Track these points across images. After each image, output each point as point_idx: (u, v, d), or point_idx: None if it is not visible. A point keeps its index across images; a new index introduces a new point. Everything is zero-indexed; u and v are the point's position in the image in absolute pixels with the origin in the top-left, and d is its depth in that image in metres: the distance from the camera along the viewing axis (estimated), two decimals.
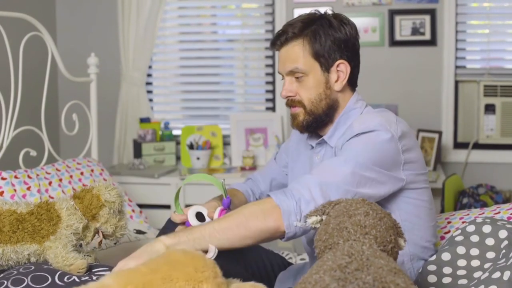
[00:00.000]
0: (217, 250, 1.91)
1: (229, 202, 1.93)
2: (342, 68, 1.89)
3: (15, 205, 1.90)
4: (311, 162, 2.02)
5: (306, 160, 2.06)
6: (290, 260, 2.53)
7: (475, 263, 1.80)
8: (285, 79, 1.93)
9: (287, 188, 1.69)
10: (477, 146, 3.87)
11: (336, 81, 1.89)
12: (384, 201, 1.79)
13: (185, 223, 1.92)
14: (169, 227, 2.11)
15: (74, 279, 1.73)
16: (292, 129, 2.14)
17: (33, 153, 2.84)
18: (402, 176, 1.79)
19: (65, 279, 1.73)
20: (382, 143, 1.76)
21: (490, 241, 1.82)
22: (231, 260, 2.01)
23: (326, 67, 1.88)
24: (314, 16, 1.93)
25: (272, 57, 4.04)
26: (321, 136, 1.97)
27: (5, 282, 1.77)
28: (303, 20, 1.91)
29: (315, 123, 1.92)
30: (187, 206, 3.50)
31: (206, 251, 1.64)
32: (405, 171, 1.79)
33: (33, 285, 1.77)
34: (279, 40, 1.91)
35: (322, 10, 1.99)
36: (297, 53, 1.87)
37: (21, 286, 1.76)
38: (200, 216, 1.93)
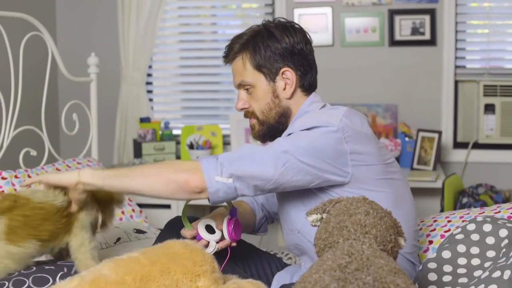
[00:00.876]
0: (217, 246, 1.92)
1: (236, 212, 1.94)
2: (288, 76, 1.92)
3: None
4: None
5: None
6: (289, 261, 2.53)
7: (476, 261, 1.80)
8: (239, 92, 2.00)
9: None
10: (477, 146, 3.87)
11: (284, 88, 1.93)
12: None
13: (196, 237, 1.93)
14: (167, 231, 2.10)
15: None
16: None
17: (33, 153, 2.84)
18: (347, 170, 1.78)
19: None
20: (321, 134, 1.76)
21: (490, 240, 1.82)
22: (230, 261, 2.02)
23: (271, 76, 1.92)
24: (259, 28, 1.96)
25: None
26: None
27: (6, 283, 1.78)
28: (247, 33, 1.96)
29: (270, 132, 1.97)
30: (189, 206, 3.51)
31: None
32: (353, 161, 1.78)
33: (34, 287, 1.77)
34: (228, 55, 1.99)
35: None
36: (241, 66, 1.94)
37: (23, 287, 1.76)
38: (209, 229, 1.94)
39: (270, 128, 1.96)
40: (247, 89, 1.96)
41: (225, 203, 1.95)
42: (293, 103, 1.95)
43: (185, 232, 1.94)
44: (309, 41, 1.96)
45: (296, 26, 1.96)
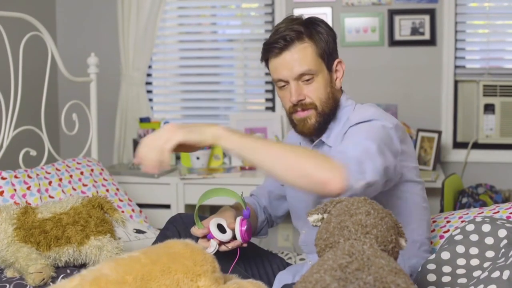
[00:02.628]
0: (217, 246, 1.92)
1: (249, 213, 1.93)
2: (339, 67, 1.92)
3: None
4: None
5: None
6: (289, 261, 2.54)
7: (475, 262, 1.80)
8: (291, 84, 1.88)
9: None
10: (477, 145, 3.87)
11: (337, 79, 1.92)
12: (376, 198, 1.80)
13: (206, 237, 1.92)
14: (169, 228, 2.12)
15: None
16: (287, 135, 2.15)
17: (33, 152, 2.84)
18: (399, 170, 1.80)
19: None
20: (383, 128, 1.75)
21: (489, 240, 1.82)
22: (231, 260, 2.02)
23: (330, 66, 1.90)
24: (304, 19, 1.91)
25: None
26: (313, 138, 1.98)
27: (8, 285, 1.78)
28: (299, 23, 1.88)
29: (325, 123, 1.92)
30: (188, 206, 3.52)
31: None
32: (400, 161, 1.79)
33: None
34: (278, 43, 1.87)
35: (313, 13, 2.00)
36: (306, 54, 1.85)
37: None
38: (220, 228, 1.93)
39: (326, 120, 1.91)
40: (306, 80, 1.87)
41: (236, 201, 1.94)
42: (339, 94, 1.95)
43: (196, 230, 1.92)
44: (334, 33, 1.95)
45: (314, 18, 1.94)
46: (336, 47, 1.92)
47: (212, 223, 1.91)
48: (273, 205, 2.26)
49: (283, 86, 1.92)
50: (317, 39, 1.86)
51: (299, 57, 1.85)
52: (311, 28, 1.87)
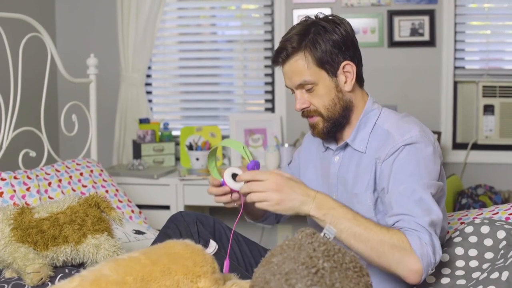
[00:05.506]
0: (217, 246, 1.92)
1: (259, 165, 1.85)
2: (348, 69, 1.88)
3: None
4: (326, 164, 2.02)
5: (318, 163, 2.07)
6: None
7: (474, 263, 1.80)
8: (296, 92, 1.92)
9: (411, 224, 1.66)
10: (476, 146, 3.87)
11: (345, 82, 1.89)
12: None
13: (221, 185, 1.90)
14: (169, 226, 2.12)
15: None
16: (305, 136, 2.15)
17: (32, 153, 2.84)
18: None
19: None
20: (429, 157, 1.79)
21: (488, 242, 1.83)
22: (232, 260, 2.02)
23: (333, 72, 1.87)
24: (307, 24, 1.90)
25: (271, 57, 4.04)
26: (337, 139, 1.99)
27: (6, 285, 1.78)
28: (298, 32, 1.88)
29: (335, 127, 1.92)
30: (188, 207, 3.52)
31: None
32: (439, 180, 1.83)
33: None
34: (280, 57, 1.89)
35: (313, 13, 1.97)
36: (301, 66, 1.86)
37: None
38: (235, 177, 1.92)
39: (335, 123, 1.92)
40: (307, 89, 1.89)
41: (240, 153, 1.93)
42: (353, 96, 1.92)
43: (212, 179, 1.91)
44: (354, 31, 1.93)
45: (340, 17, 1.92)
46: (343, 49, 1.87)
47: (227, 172, 1.89)
48: None
49: (292, 93, 1.95)
50: (313, 49, 1.84)
51: (295, 69, 1.87)
52: (307, 38, 1.85)
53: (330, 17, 1.91)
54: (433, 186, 1.74)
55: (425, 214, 1.66)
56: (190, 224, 2.12)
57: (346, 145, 1.95)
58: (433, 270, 1.66)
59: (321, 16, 1.92)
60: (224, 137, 4.03)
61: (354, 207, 1.85)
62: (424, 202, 1.68)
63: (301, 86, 1.89)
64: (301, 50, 1.85)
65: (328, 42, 1.84)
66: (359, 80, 1.94)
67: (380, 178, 1.82)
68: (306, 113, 1.93)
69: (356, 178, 1.90)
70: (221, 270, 1.59)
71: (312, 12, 3.94)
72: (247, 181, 1.73)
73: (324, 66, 1.85)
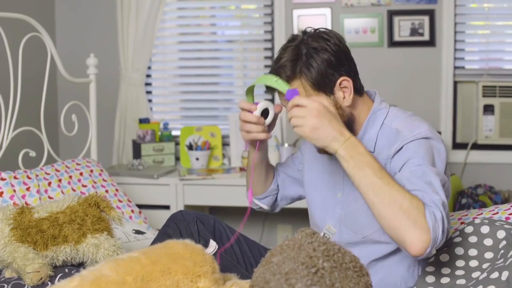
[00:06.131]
0: (217, 246, 1.92)
1: (294, 92, 1.82)
2: (345, 84, 1.83)
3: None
4: (331, 162, 2.00)
5: (323, 161, 2.04)
6: None
7: (474, 263, 1.80)
8: None
9: (425, 199, 1.63)
10: (476, 146, 3.87)
11: (344, 98, 1.83)
12: None
13: (251, 112, 1.92)
14: (169, 225, 2.12)
15: None
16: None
17: (32, 153, 2.84)
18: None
19: None
20: (440, 152, 1.79)
21: (488, 242, 1.83)
22: (232, 259, 2.02)
23: (330, 90, 1.82)
24: (297, 46, 1.84)
25: (271, 57, 4.04)
26: None
27: (6, 285, 1.79)
28: (290, 58, 1.83)
29: None
30: (188, 207, 3.52)
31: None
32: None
33: None
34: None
35: (303, 28, 1.92)
36: (299, 91, 1.81)
37: None
38: (265, 113, 1.93)
39: None
40: None
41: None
42: (353, 107, 1.88)
43: (244, 103, 1.93)
44: (344, 40, 1.90)
45: (327, 30, 1.88)
46: (337, 66, 1.83)
47: (261, 104, 1.91)
48: (286, 183, 2.26)
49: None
50: (308, 74, 1.80)
51: None
52: (300, 63, 1.81)
53: (318, 33, 1.86)
54: (440, 175, 1.72)
55: (436, 194, 1.64)
56: (190, 223, 2.12)
57: None
58: (434, 253, 1.62)
59: (308, 30, 1.88)
60: (224, 137, 4.03)
61: (358, 203, 1.85)
62: (433, 186, 1.65)
63: None
64: (297, 77, 1.82)
65: (322, 63, 1.80)
66: (358, 91, 1.89)
67: (391, 173, 1.78)
68: None
69: None
70: (222, 270, 1.59)
71: (311, 12, 3.97)
72: (291, 107, 1.72)
73: (321, 88, 1.81)
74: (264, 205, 2.29)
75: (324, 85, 1.81)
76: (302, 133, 1.69)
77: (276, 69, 1.85)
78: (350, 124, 1.87)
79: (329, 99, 1.82)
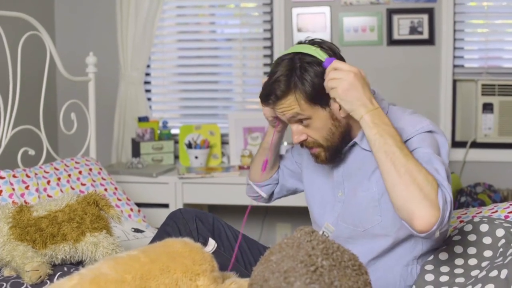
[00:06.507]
0: (216, 244, 1.93)
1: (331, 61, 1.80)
2: None
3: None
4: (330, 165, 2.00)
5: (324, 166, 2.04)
6: None
7: (473, 261, 1.80)
8: (291, 126, 1.88)
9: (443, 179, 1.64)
10: (475, 145, 3.87)
11: (340, 109, 1.79)
12: None
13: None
14: (169, 223, 2.12)
15: None
16: None
17: (31, 152, 2.84)
18: None
19: None
20: (444, 144, 1.82)
21: (487, 240, 1.83)
22: (231, 258, 2.02)
23: (325, 102, 1.81)
24: (291, 59, 1.82)
25: (271, 56, 4.04)
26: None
27: (4, 284, 1.79)
28: (283, 72, 1.81)
29: (337, 153, 1.90)
30: (187, 205, 3.52)
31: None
32: None
33: None
34: (269, 99, 1.84)
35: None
36: (293, 105, 1.81)
37: None
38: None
39: (337, 150, 1.89)
40: (301, 121, 1.85)
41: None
42: (350, 117, 1.81)
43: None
44: (338, 50, 1.89)
45: (318, 40, 1.87)
46: None
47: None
48: (284, 175, 2.28)
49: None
50: (301, 88, 1.79)
51: (287, 107, 1.82)
52: (294, 78, 1.79)
53: (313, 40, 1.86)
54: (445, 166, 1.72)
55: (444, 179, 1.64)
56: (189, 222, 2.12)
57: (354, 145, 1.93)
58: (438, 235, 1.58)
59: (303, 41, 1.87)
60: (223, 135, 4.04)
61: (358, 195, 1.85)
62: (440, 174, 1.65)
63: (295, 119, 1.85)
64: (291, 92, 1.80)
65: (316, 76, 1.78)
66: None
67: None
68: (306, 145, 1.90)
69: (361, 168, 1.88)
70: (221, 269, 1.59)
71: (310, 11, 3.97)
72: (330, 71, 1.73)
73: (316, 101, 1.80)
74: (264, 193, 2.29)
75: (319, 99, 1.79)
76: (335, 94, 1.70)
77: (270, 84, 1.82)
78: (348, 134, 1.88)
79: (325, 111, 1.82)
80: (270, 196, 2.33)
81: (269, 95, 1.83)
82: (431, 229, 1.54)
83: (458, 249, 1.85)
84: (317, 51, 1.80)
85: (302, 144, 1.91)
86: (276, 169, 2.27)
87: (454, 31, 3.83)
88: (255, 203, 2.33)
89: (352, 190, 1.91)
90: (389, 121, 1.69)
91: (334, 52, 1.86)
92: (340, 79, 1.69)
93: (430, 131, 1.79)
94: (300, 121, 1.85)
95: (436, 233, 1.57)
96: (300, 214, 3.60)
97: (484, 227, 1.86)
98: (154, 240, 2.09)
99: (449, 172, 1.77)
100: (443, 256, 1.85)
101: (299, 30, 3.92)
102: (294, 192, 2.32)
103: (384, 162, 1.63)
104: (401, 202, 1.59)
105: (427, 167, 1.64)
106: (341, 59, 1.88)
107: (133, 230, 2.64)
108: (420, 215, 1.55)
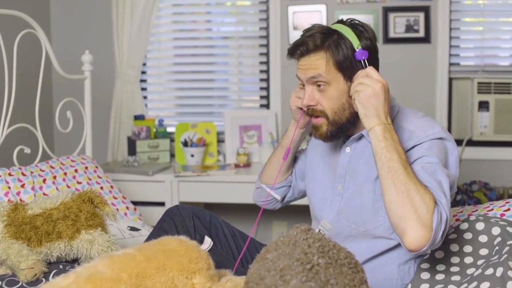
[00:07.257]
0: (212, 243, 1.92)
1: (363, 53, 1.82)
2: None
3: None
4: (334, 153, 2.01)
5: (326, 152, 2.05)
6: None
7: (469, 259, 1.81)
8: (306, 87, 1.87)
9: (438, 198, 1.64)
10: (471, 143, 3.88)
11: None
12: None
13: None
14: (165, 220, 2.12)
15: None
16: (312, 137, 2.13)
17: (27, 150, 2.84)
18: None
19: None
20: (454, 151, 1.82)
21: (483, 238, 1.83)
22: (228, 255, 2.02)
23: (349, 76, 1.82)
24: (329, 29, 1.85)
25: (267, 54, 4.04)
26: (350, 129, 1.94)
27: (0, 282, 1.78)
28: (322, 31, 1.83)
29: (339, 132, 1.88)
30: (183, 203, 3.52)
31: None
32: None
33: (27, 287, 1.78)
34: (298, 50, 1.84)
35: (342, 17, 1.93)
36: (320, 64, 1.81)
37: (16, 287, 1.77)
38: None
39: (340, 128, 1.87)
40: (319, 85, 1.84)
41: None
42: None
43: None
44: (376, 38, 1.90)
45: (364, 24, 1.87)
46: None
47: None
48: (297, 178, 2.26)
49: (302, 87, 1.92)
50: (335, 52, 1.80)
51: (313, 64, 1.82)
52: (331, 40, 1.81)
53: (354, 23, 1.87)
54: (451, 177, 1.74)
55: (444, 195, 1.65)
56: (186, 218, 2.12)
57: (361, 137, 1.92)
58: (429, 252, 1.64)
59: (347, 20, 1.88)
60: (219, 134, 4.03)
61: (362, 196, 1.86)
62: (442, 186, 1.67)
63: (313, 81, 1.84)
64: (323, 49, 1.81)
65: (351, 49, 1.81)
66: None
67: None
68: (311, 112, 1.89)
69: (367, 167, 1.87)
70: (218, 266, 1.59)
71: (306, 9, 3.97)
72: (361, 76, 1.77)
73: (342, 69, 1.81)
74: (278, 195, 2.27)
75: (346, 68, 1.82)
76: (357, 97, 1.73)
77: (305, 37, 1.84)
78: (356, 117, 1.84)
79: (345, 85, 1.83)
80: (282, 200, 2.31)
81: (299, 46, 1.84)
82: (421, 249, 1.59)
83: (454, 247, 1.85)
84: (353, 36, 1.82)
85: (308, 109, 1.89)
86: (291, 171, 2.25)
87: (450, 29, 3.84)
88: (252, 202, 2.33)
89: (355, 189, 1.90)
90: (398, 138, 1.71)
91: (373, 37, 1.88)
92: (366, 85, 1.73)
93: (440, 138, 1.80)
94: (318, 85, 1.84)
95: (427, 251, 1.63)
96: (296, 213, 3.60)
97: (480, 225, 1.86)
98: (150, 236, 2.09)
99: (455, 181, 1.80)
100: (439, 254, 1.85)
101: (295, 28, 3.92)
102: (305, 194, 2.29)
103: (385, 178, 1.66)
104: (396, 219, 1.62)
105: (430, 179, 1.67)
106: (377, 49, 1.90)
107: (129, 228, 2.63)
108: (411, 235, 1.59)
